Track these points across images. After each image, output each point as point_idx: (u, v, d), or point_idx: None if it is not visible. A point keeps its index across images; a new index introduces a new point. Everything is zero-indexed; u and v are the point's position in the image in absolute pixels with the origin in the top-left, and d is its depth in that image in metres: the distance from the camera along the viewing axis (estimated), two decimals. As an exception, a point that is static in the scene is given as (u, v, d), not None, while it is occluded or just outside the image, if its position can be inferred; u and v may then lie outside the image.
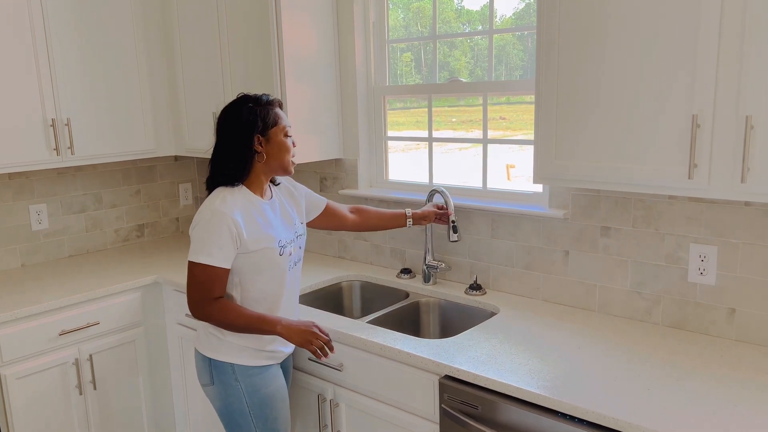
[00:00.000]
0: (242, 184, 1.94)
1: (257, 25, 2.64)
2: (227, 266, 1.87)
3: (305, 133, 2.72)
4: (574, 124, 1.85)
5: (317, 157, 2.81)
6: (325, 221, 2.29)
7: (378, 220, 2.37)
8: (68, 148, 2.77)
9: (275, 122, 1.93)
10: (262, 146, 1.91)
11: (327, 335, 1.89)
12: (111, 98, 2.90)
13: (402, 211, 2.36)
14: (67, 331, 2.52)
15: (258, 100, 1.93)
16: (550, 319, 2.17)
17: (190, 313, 1.91)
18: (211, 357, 1.97)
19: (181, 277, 2.70)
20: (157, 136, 3.09)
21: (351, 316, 2.75)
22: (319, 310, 2.34)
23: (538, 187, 2.43)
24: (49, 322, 2.48)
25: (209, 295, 1.86)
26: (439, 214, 2.37)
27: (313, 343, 1.86)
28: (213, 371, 1.99)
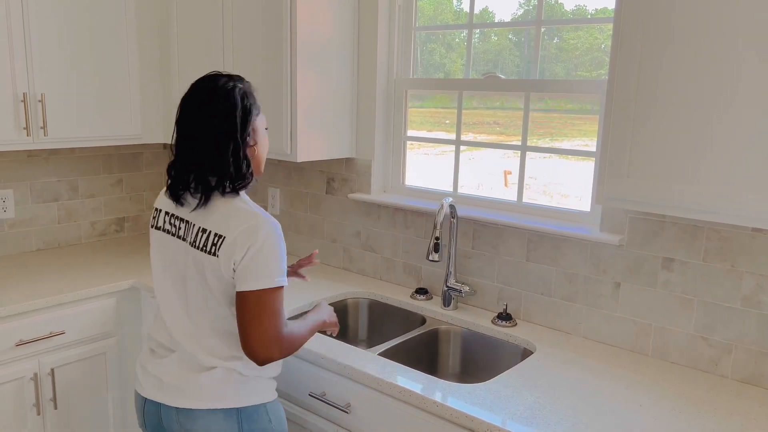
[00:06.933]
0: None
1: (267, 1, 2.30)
2: None
3: (314, 127, 2.37)
4: (657, 137, 1.51)
5: (326, 155, 2.46)
6: None
7: None
8: (41, 128, 2.40)
9: (259, 110, 1.55)
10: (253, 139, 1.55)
11: None
12: (94, 73, 2.53)
13: None
14: (26, 341, 2.17)
15: (242, 79, 1.54)
16: (597, 364, 1.84)
17: (256, 362, 1.46)
18: (241, 406, 1.54)
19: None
20: (145, 120, 2.73)
21: (356, 339, 2.41)
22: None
23: (585, 205, 2.10)
24: (5, 330, 2.13)
25: (284, 324, 1.49)
26: (297, 267, 1.94)
27: (336, 324, 1.81)
28: (243, 424, 1.54)
